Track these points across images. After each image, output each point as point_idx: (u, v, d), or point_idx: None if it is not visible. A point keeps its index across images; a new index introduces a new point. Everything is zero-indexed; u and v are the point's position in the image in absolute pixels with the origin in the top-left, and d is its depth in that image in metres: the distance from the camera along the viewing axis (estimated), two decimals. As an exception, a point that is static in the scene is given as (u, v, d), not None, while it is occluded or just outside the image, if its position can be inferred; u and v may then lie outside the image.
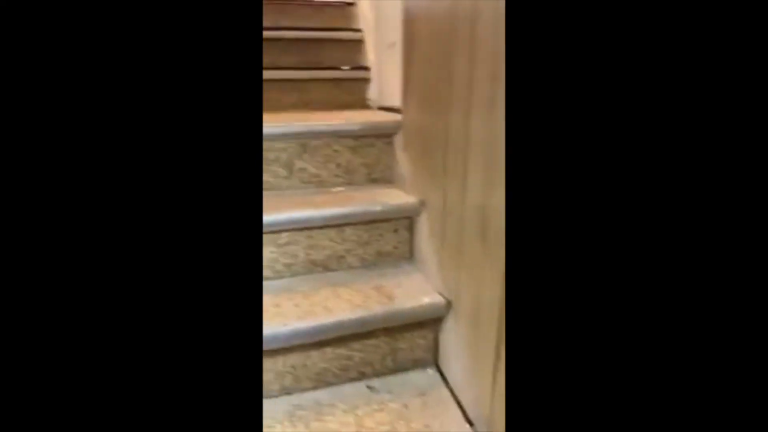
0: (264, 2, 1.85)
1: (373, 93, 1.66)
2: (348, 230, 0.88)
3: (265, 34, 1.67)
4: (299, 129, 0.96)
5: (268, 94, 1.59)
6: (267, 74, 1.55)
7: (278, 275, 0.86)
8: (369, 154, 1.02)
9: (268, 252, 0.84)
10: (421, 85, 0.89)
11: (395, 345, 0.79)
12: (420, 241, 0.89)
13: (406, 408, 0.73)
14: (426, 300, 0.77)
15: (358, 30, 1.76)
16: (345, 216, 0.86)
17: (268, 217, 0.81)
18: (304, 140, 0.97)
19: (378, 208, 0.87)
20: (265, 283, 0.85)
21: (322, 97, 1.64)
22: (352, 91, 1.67)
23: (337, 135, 0.98)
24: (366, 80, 1.67)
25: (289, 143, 0.96)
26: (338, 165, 1.00)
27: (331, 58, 1.77)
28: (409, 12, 0.95)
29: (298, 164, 0.98)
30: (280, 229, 0.83)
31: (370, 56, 1.66)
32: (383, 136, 1.02)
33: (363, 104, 1.69)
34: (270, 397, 0.74)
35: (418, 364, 0.81)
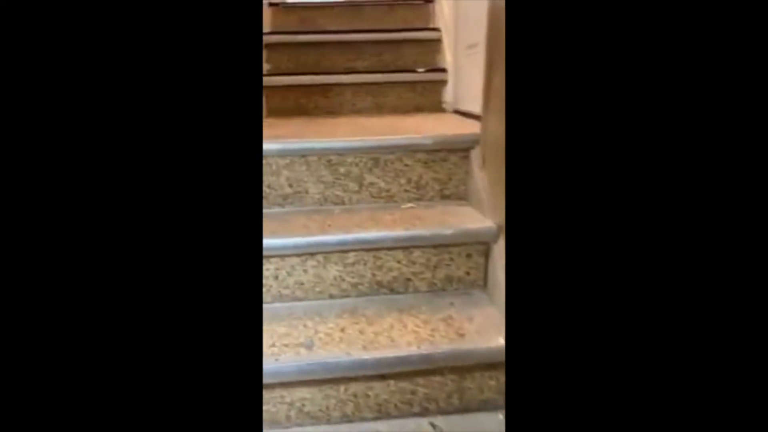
0: (339, 4, 1.85)
1: (448, 96, 1.58)
2: (416, 252, 0.83)
3: (340, 37, 1.67)
4: (371, 143, 0.92)
5: (341, 98, 1.59)
6: (341, 78, 1.55)
7: (344, 294, 0.84)
8: (442, 169, 0.96)
9: (335, 270, 0.83)
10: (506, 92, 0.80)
11: (463, 384, 0.73)
12: (496, 270, 0.81)
13: (471, 455, 0.67)
14: (500, 341, 0.69)
15: (436, 29, 1.69)
16: (413, 239, 0.81)
17: (335, 237, 0.80)
18: (376, 154, 0.93)
19: (449, 231, 0.81)
20: (330, 302, 0.84)
21: (396, 100, 1.60)
22: (427, 94, 1.60)
23: (410, 149, 0.93)
24: (442, 82, 1.59)
25: (361, 157, 0.93)
26: (409, 180, 0.96)
27: (407, 60, 1.72)
28: (497, 10, 0.86)
29: (369, 179, 0.95)
30: (348, 249, 0.81)
31: (448, 57, 1.58)
32: (459, 150, 0.95)
33: (438, 107, 1.61)
34: (331, 423, 0.72)
35: (486, 406, 0.75)
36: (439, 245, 0.82)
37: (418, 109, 1.61)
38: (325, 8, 1.79)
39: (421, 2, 1.81)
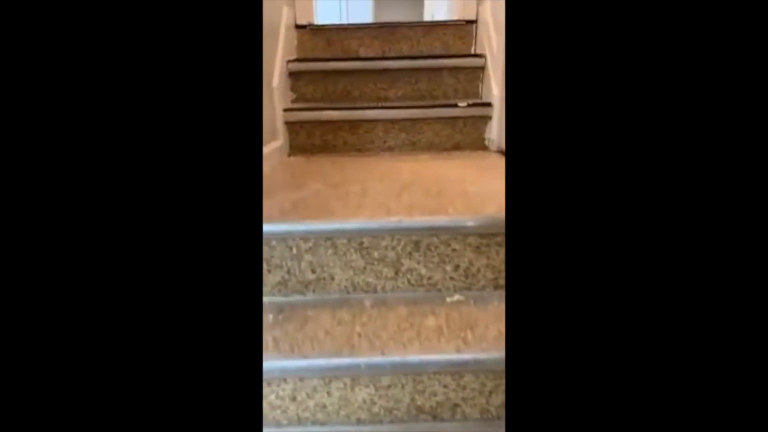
0: (371, 26, 1.69)
1: (493, 132, 1.40)
2: (468, 377, 0.66)
3: (371, 65, 1.51)
4: (410, 224, 0.76)
5: (372, 134, 1.43)
6: (371, 114, 1.39)
7: (375, 419, 0.68)
8: (497, 255, 0.78)
9: (365, 393, 0.67)
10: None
11: None
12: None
13: None
14: None
15: (479, 56, 1.50)
16: (465, 363, 0.64)
17: (365, 359, 0.64)
18: (416, 237, 0.77)
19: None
20: (358, 428, 0.68)
21: (433, 136, 1.43)
22: (467, 131, 1.42)
23: (457, 232, 0.76)
24: (486, 118, 1.40)
25: (397, 240, 0.77)
26: (456, 267, 0.78)
27: (446, 88, 1.54)
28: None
29: (407, 264, 0.78)
30: (381, 373, 0.65)
31: (493, 88, 1.39)
32: (519, 233, 0.77)
33: (480, 144, 1.43)
34: None
35: None
36: (498, 370, 0.65)
37: (458, 147, 1.43)
38: (355, 30, 1.63)
39: (463, 23, 1.62)
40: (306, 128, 1.41)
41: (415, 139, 1.43)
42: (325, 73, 1.50)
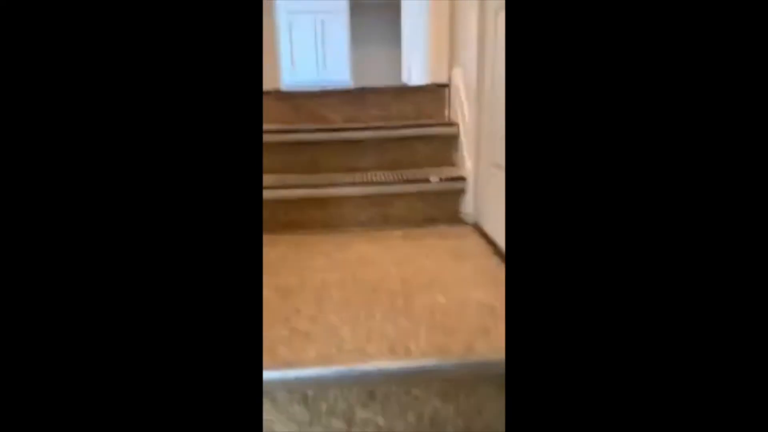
0: (340, 92, 1.62)
1: (468, 206, 1.31)
2: None
3: (340, 135, 1.42)
4: (361, 372, 0.64)
5: (342, 210, 1.32)
6: (340, 191, 1.29)
7: None
8: (470, 405, 0.66)
9: None
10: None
11: None
12: None
13: None
14: None
15: (452, 124, 1.43)
16: None
17: None
18: (370, 386, 0.65)
19: None
20: None
21: (405, 210, 1.33)
22: (442, 204, 1.33)
23: (423, 376, 0.65)
24: (459, 192, 1.32)
25: (350, 390, 0.65)
26: (419, 417, 0.66)
27: (418, 158, 1.45)
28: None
29: (361, 414, 0.66)
30: None
31: (467, 162, 1.31)
32: (495, 376, 0.65)
33: (456, 218, 1.34)
34: None
35: None
36: None
37: (432, 220, 1.33)
38: (324, 96, 1.56)
39: (434, 86, 1.56)
40: (270, 206, 1.30)
41: (387, 213, 1.33)
42: (291, 144, 1.41)
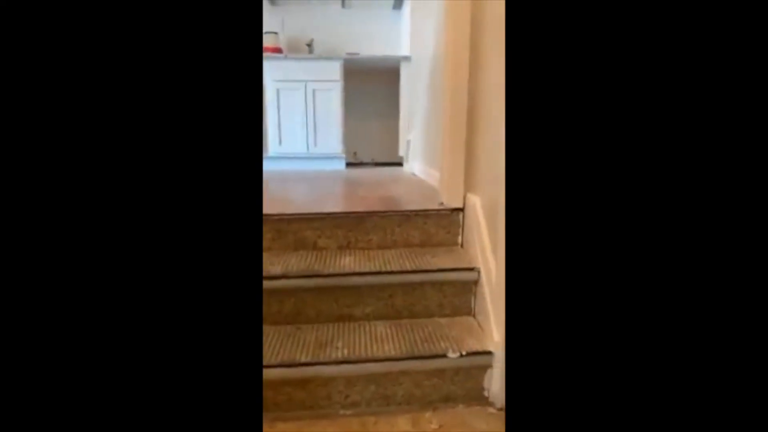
0: (335, 215, 1.37)
1: (494, 383, 1.02)
2: None
3: (332, 281, 1.15)
4: None
5: (329, 388, 1.02)
6: (328, 371, 1.00)
7: None
8: None
9: None
10: None
11: None
12: None
13: None
14: None
15: (471, 269, 1.16)
16: None
17: None
18: None
19: None
20: None
21: (413, 388, 1.04)
22: (460, 380, 1.04)
23: None
24: (485, 367, 1.04)
25: None
26: None
27: (428, 306, 1.18)
28: None
29: None
30: None
31: (492, 326, 1.03)
32: None
33: (478, 396, 1.05)
34: None
35: None
36: None
37: (448, 399, 1.04)
38: (315, 220, 1.29)
39: (447, 211, 1.31)
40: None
41: (389, 392, 1.03)
42: (268, 292, 1.12)
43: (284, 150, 2.76)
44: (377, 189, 1.84)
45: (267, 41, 2.85)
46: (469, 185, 1.29)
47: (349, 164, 3.09)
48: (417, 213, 1.31)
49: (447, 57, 1.27)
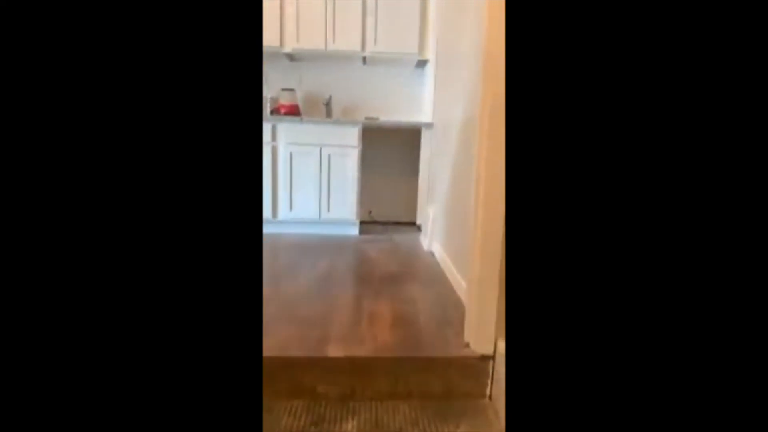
0: (336, 362, 1.15)
1: None
2: None
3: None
4: None
5: None
6: None
7: None
8: None
9: None
10: None
11: None
12: None
13: None
14: None
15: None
16: None
17: None
18: None
19: None
20: None
21: None
22: None
23: None
24: None
25: None
26: None
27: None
28: None
29: None
30: None
31: None
32: None
33: None
34: None
35: None
36: None
37: None
38: (313, 366, 1.08)
39: (474, 359, 1.09)
40: None
41: None
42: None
43: (295, 215, 2.60)
44: (390, 289, 1.63)
45: (283, 98, 2.74)
46: (502, 328, 1.07)
47: (363, 223, 2.91)
48: (436, 361, 1.09)
49: (482, 128, 1.05)
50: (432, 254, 2.21)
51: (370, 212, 3.16)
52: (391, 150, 3.06)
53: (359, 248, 2.32)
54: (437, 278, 1.80)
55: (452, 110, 1.88)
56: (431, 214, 2.32)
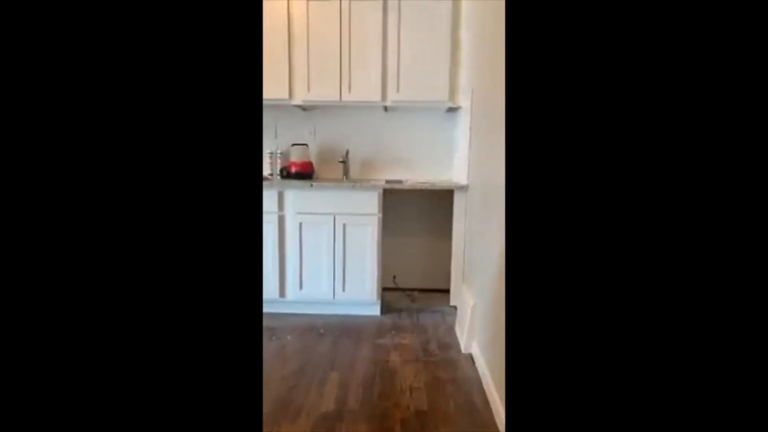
0: None
1: None
2: None
3: None
4: None
5: None
6: None
7: None
8: None
9: None
10: None
11: None
12: None
13: None
14: None
15: None
16: None
17: None
18: None
19: None
20: None
21: None
22: None
23: None
24: None
25: None
26: None
27: None
28: None
29: None
30: None
31: None
32: None
33: None
34: None
35: None
36: None
37: None
38: None
39: None
40: None
41: None
42: None
43: (306, 295, 2.21)
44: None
45: (294, 155, 2.40)
46: None
47: (386, 290, 2.48)
48: None
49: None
50: (471, 360, 1.75)
51: (394, 277, 2.73)
52: (420, 211, 2.65)
53: (379, 349, 1.89)
54: (479, 417, 1.34)
55: (496, 170, 1.45)
56: (470, 301, 1.87)
